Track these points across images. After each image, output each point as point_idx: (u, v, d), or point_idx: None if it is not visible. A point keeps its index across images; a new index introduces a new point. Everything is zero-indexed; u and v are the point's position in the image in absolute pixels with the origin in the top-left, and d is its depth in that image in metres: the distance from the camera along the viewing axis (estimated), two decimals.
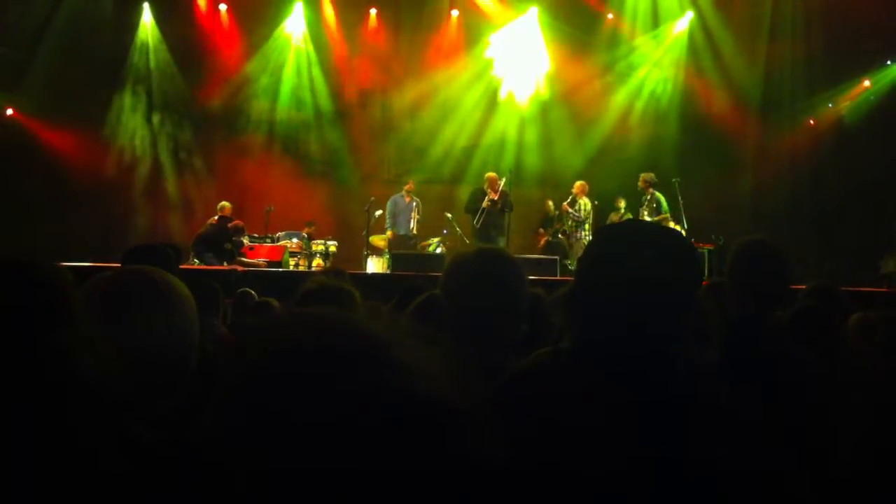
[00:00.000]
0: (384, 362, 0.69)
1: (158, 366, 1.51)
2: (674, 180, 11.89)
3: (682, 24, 14.37)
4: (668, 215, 11.53)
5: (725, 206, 12.70)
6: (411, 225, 11.96)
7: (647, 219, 11.41)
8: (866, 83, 13.68)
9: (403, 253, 11.07)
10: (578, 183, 12.15)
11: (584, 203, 11.98)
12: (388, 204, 12.15)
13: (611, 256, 1.50)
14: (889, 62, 13.55)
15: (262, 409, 0.67)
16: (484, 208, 11.32)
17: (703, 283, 5.28)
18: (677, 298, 1.47)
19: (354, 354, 0.69)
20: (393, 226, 12.08)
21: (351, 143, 14.46)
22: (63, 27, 13.01)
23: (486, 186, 11.54)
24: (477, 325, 1.97)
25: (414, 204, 12.06)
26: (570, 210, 11.98)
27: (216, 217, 11.54)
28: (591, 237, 9.54)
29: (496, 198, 11.31)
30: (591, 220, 11.94)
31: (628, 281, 1.45)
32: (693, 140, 14.02)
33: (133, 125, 13.80)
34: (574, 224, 11.95)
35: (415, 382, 0.68)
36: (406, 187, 12.15)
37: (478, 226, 11.37)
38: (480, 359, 1.83)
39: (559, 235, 12.29)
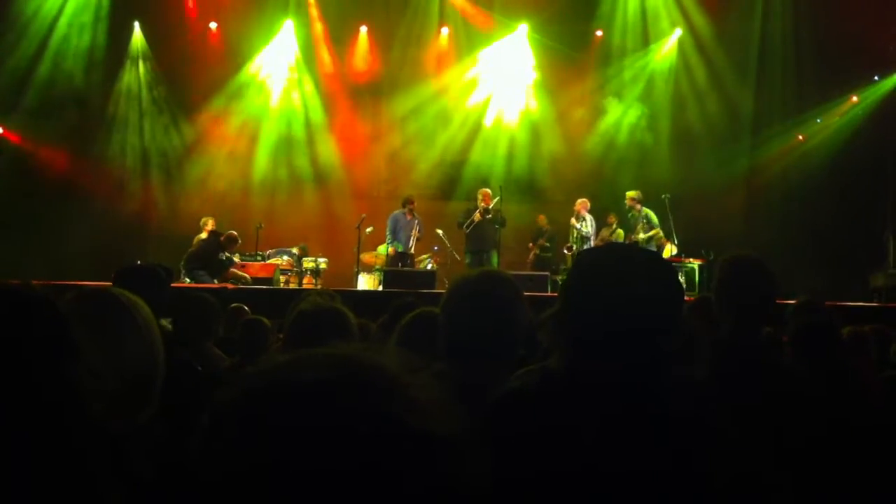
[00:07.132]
0: (392, 396, 0.70)
1: (129, 381, 1.55)
2: (663, 196, 11.92)
3: (671, 41, 14.47)
4: (660, 230, 11.56)
5: (716, 222, 12.72)
6: (411, 243, 11.91)
7: (642, 235, 11.46)
8: (854, 98, 13.77)
9: (395, 270, 11.05)
10: (581, 200, 12.14)
11: (589, 220, 11.99)
12: (389, 221, 12.08)
13: (594, 278, 1.52)
14: (877, 77, 13.65)
15: (262, 442, 0.69)
16: (474, 221, 11.37)
17: (689, 299, 5.29)
18: (662, 317, 1.48)
19: (365, 389, 0.70)
20: (392, 242, 12.03)
21: (341, 159, 14.47)
22: (53, 46, 13.07)
23: (479, 201, 11.62)
24: (474, 346, 1.99)
25: (416, 222, 11.96)
26: (577, 225, 11.97)
27: (204, 233, 11.48)
28: None
29: (489, 206, 11.38)
30: (593, 237, 11.91)
31: (613, 301, 1.47)
32: (684, 156, 14.07)
33: (123, 142, 13.79)
34: (579, 240, 11.92)
35: (419, 413, 0.69)
36: (409, 205, 12.05)
37: (468, 231, 11.45)
38: (474, 380, 1.84)
39: (565, 251, 12.27)
